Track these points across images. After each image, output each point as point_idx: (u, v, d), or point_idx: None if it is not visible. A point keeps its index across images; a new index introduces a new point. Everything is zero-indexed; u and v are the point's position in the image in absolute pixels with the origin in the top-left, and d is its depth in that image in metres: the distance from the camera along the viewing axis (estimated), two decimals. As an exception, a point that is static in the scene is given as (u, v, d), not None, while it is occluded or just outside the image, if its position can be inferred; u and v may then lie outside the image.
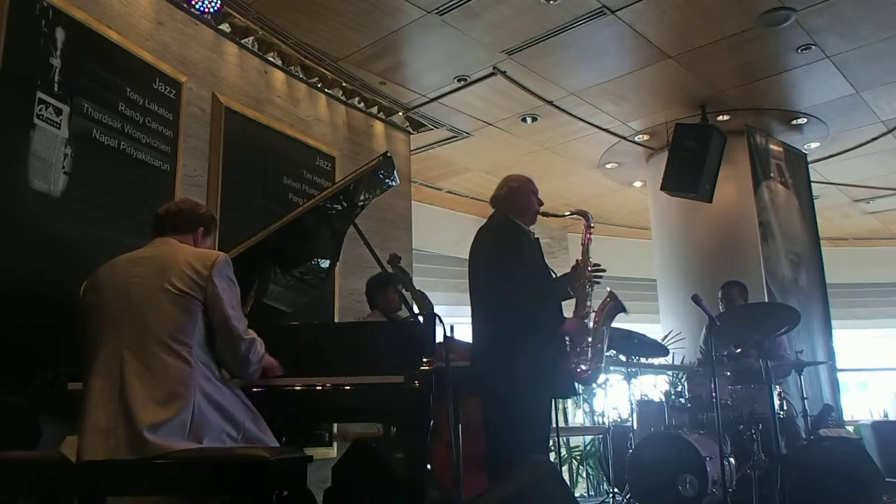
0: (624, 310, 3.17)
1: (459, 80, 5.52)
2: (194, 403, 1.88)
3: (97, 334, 2.01)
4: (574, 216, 3.28)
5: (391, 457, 3.02)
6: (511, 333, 2.87)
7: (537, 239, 3.24)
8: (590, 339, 3.02)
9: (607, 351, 4.89)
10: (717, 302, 4.70)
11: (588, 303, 3.04)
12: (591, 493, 6.26)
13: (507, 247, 2.98)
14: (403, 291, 3.21)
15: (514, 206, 3.13)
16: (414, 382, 2.26)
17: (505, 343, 2.88)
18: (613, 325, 4.11)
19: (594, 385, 6.06)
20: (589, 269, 3.09)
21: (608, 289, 3.20)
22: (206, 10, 4.09)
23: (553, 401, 3.21)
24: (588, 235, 3.20)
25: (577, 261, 3.14)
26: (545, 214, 3.23)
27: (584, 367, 2.95)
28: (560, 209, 3.35)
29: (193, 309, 1.99)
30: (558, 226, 8.89)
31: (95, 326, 2.02)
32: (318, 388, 2.31)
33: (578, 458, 6.52)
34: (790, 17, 4.66)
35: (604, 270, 3.12)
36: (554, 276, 3.21)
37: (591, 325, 3.04)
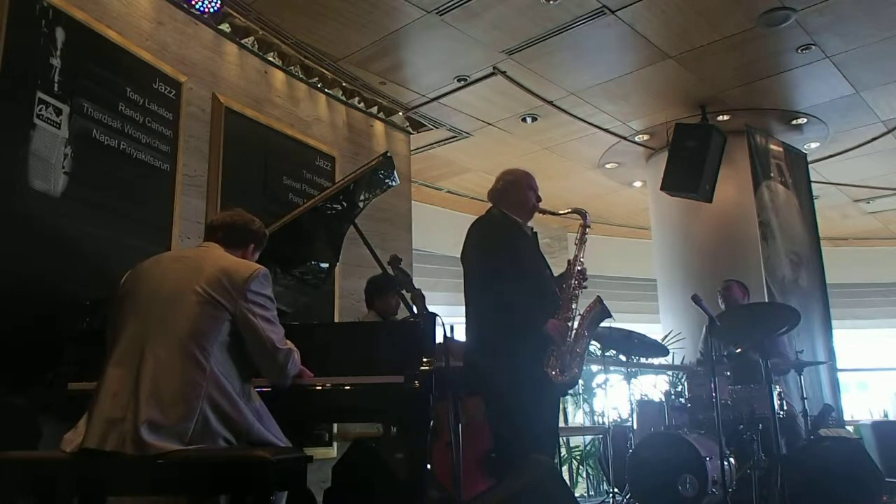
0: (609, 315, 3.07)
1: (459, 80, 5.52)
2: (199, 412, 1.86)
3: (124, 324, 2.01)
4: (571, 215, 3.21)
5: (391, 457, 3.03)
6: (497, 331, 2.83)
7: (535, 233, 3.17)
8: (570, 344, 2.87)
9: (607, 351, 4.94)
10: (716, 301, 4.70)
11: (574, 305, 2.95)
12: (591, 493, 6.26)
13: (496, 243, 2.93)
14: (404, 293, 3.20)
15: (509, 200, 3.08)
16: (414, 382, 2.26)
17: (492, 341, 2.84)
18: (614, 325, 4.13)
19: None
20: (577, 269, 3.00)
21: (597, 294, 3.11)
22: (206, 10, 4.09)
23: (558, 398, 3.11)
24: (583, 234, 3.11)
25: (569, 260, 3.07)
26: (542, 212, 3.16)
27: (558, 372, 2.81)
28: (559, 208, 3.29)
29: (219, 316, 1.97)
30: (558, 225, 8.89)
31: (124, 316, 2.02)
32: (318, 388, 2.30)
33: (578, 458, 6.52)
34: (790, 17, 4.66)
35: (586, 281, 3.02)
36: (551, 273, 3.13)
37: (573, 329, 2.91)
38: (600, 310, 3.01)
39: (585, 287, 3.04)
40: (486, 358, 2.86)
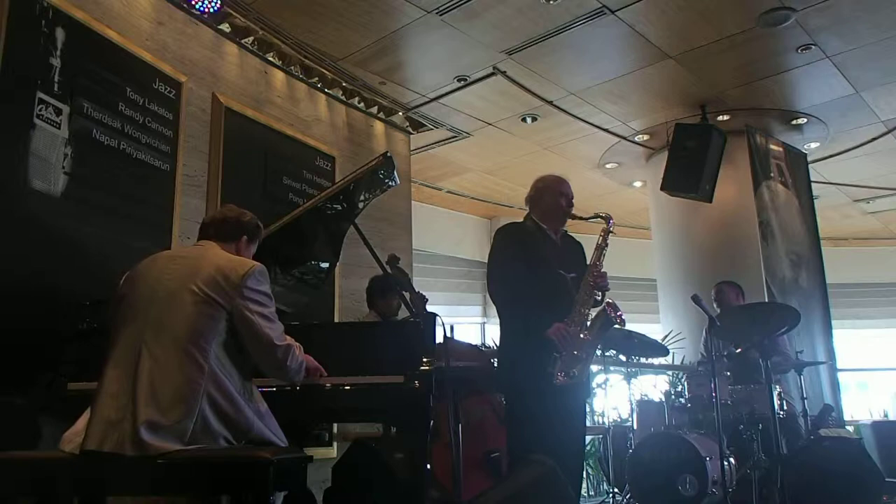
0: (615, 323, 2.97)
1: (459, 80, 5.52)
2: (199, 412, 1.86)
3: (122, 324, 2.01)
4: (596, 220, 3.13)
5: (391, 457, 3.03)
6: (510, 333, 2.94)
7: (569, 237, 3.21)
8: (575, 348, 2.84)
9: (607, 351, 4.94)
10: (712, 302, 4.69)
11: (585, 310, 2.92)
12: (591, 493, 6.26)
13: (511, 247, 3.00)
14: (404, 293, 3.20)
15: (540, 206, 3.15)
16: (414, 382, 2.26)
17: (507, 343, 2.96)
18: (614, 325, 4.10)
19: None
20: (595, 273, 2.97)
21: (609, 299, 3.03)
22: (206, 10, 4.10)
23: (580, 401, 3.08)
24: (605, 239, 3.06)
25: (588, 265, 3.07)
26: (571, 217, 3.17)
27: (560, 376, 2.79)
28: (587, 211, 3.23)
29: (216, 315, 1.97)
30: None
31: (122, 317, 2.02)
32: (318, 387, 2.30)
33: (578, 457, 6.52)
34: (790, 17, 4.66)
35: (606, 287, 2.99)
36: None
37: (581, 334, 2.87)
38: (605, 318, 2.94)
39: (608, 289, 3.00)
40: (500, 359, 2.97)
